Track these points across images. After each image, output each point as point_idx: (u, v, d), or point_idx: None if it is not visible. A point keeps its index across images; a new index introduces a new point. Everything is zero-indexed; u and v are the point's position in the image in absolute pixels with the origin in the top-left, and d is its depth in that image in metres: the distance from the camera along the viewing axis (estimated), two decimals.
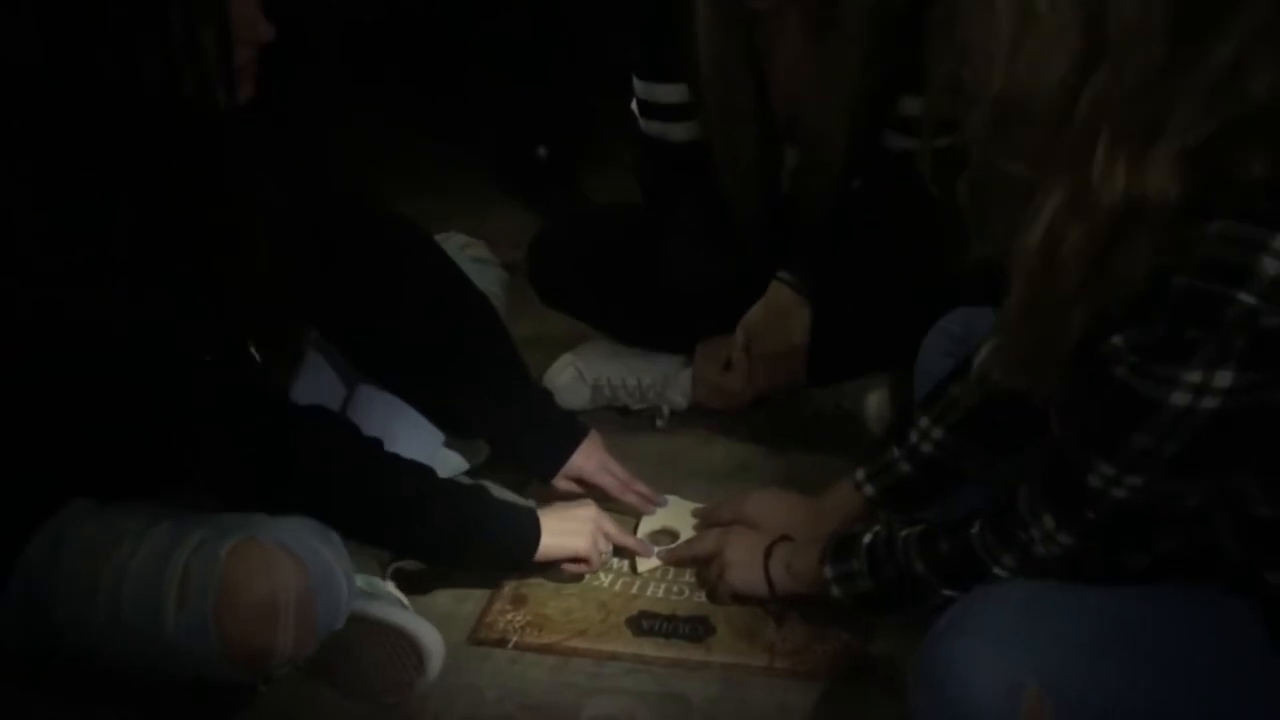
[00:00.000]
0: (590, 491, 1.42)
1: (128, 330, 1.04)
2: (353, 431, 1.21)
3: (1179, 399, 0.80)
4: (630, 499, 1.45)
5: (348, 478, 1.18)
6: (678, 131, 1.66)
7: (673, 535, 1.43)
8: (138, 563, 1.06)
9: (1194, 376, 0.79)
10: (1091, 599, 0.94)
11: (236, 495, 1.15)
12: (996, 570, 1.00)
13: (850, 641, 1.26)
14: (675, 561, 1.39)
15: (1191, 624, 0.90)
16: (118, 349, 1.05)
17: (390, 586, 1.29)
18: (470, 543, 1.26)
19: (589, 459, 1.42)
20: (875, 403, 1.65)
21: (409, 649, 1.20)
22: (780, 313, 1.61)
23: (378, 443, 1.22)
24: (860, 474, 1.29)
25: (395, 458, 1.22)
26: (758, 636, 1.27)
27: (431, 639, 1.21)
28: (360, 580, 1.23)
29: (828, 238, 1.63)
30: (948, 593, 1.05)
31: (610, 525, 1.36)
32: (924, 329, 1.36)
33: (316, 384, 1.37)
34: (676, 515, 1.46)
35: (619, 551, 1.39)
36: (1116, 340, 0.82)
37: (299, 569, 1.06)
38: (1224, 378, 0.78)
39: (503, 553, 1.29)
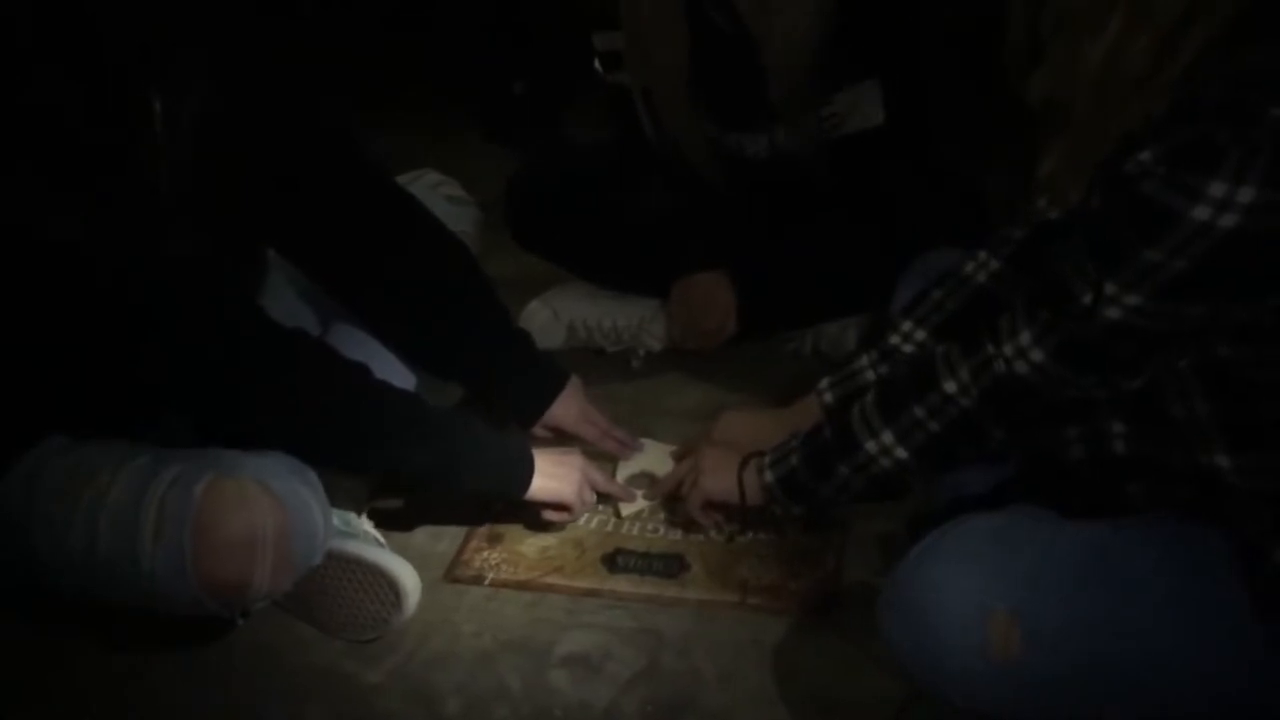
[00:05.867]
0: (568, 439, 1.42)
1: (100, 251, 1.03)
2: (337, 354, 1.18)
3: (1200, 213, 0.80)
4: (609, 446, 1.45)
5: (337, 397, 1.15)
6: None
7: (651, 478, 1.44)
8: (113, 498, 1.05)
9: (1219, 189, 0.79)
10: (1059, 528, 0.95)
11: (221, 420, 1.13)
12: (945, 385, 1.01)
13: (823, 578, 1.27)
14: (657, 494, 1.39)
15: (1158, 553, 0.92)
16: (89, 270, 1.04)
17: (367, 525, 1.29)
18: (462, 471, 1.22)
19: (569, 408, 1.41)
20: (852, 345, 1.66)
21: (386, 586, 1.21)
22: (704, 300, 1.67)
23: (364, 366, 1.19)
24: (823, 382, 1.30)
25: (383, 382, 1.20)
26: (731, 573, 1.29)
27: (408, 576, 1.22)
28: (337, 518, 1.22)
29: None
30: (870, 446, 1.06)
31: (597, 475, 1.36)
32: (887, 276, 1.36)
33: (292, 322, 1.35)
34: (654, 458, 1.47)
35: (602, 498, 1.38)
36: (1144, 155, 0.82)
37: (275, 504, 1.06)
38: (1247, 193, 0.78)
39: (494, 483, 1.27)
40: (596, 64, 1.70)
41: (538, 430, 1.41)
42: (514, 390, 1.40)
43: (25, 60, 1.00)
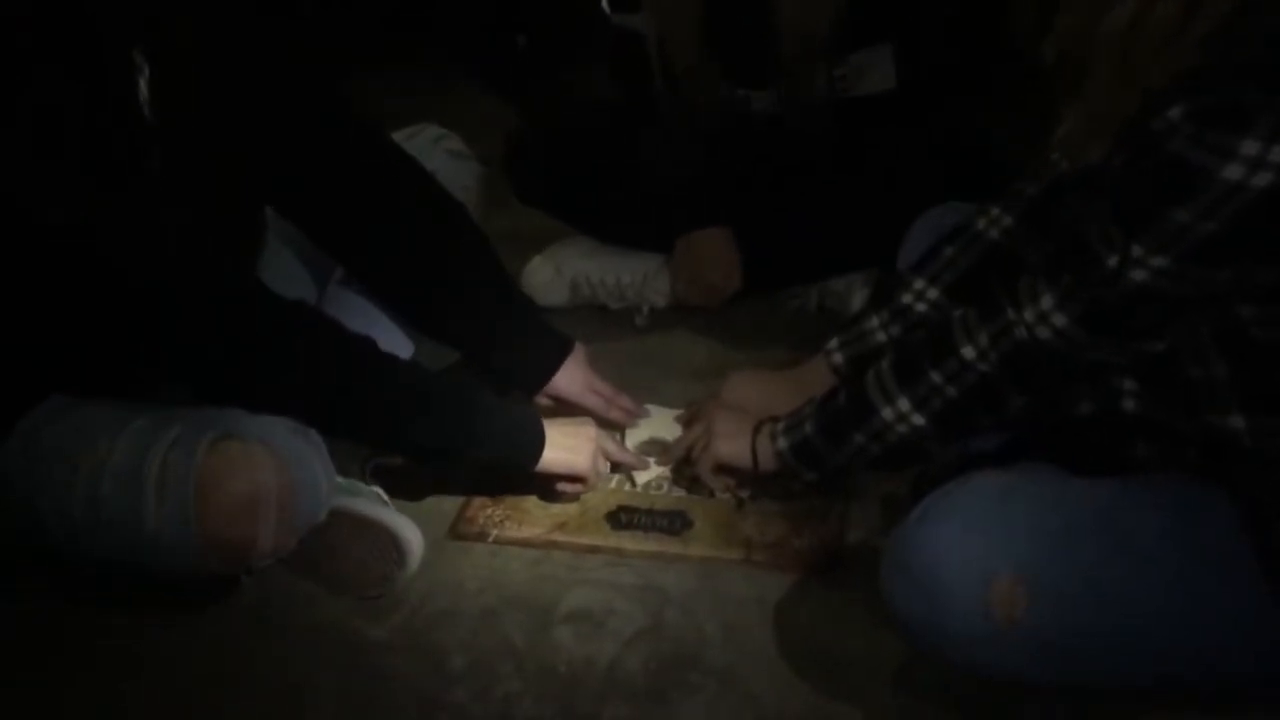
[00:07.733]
0: (571, 408, 1.39)
1: (98, 244, 1.03)
2: (339, 331, 1.17)
3: (1231, 172, 0.78)
4: (615, 416, 1.43)
5: (341, 387, 1.14)
6: (638, 22, 1.65)
7: (661, 445, 1.42)
8: (116, 458, 1.05)
9: (1251, 148, 0.77)
10: (1065, 488, 0.95)
11: (226, 394, 1.12)
12: (963, 351, 0.99)
13: (826, 536, 1.27)
14: (669, 460, 1.38)
15: (1165, 515, 0.91)
16: (88, 265, 1.04)
17: (371, 483, 1.29)
18: (472, 443, 1.21)
19: (573, 377, 1.39)
20: (858, 301, 1.65)
21: (389, 544, 1.21)
22: (708, 256, 1.67)
23: (368, 341, 1.17)
24: (833, 343, 1.29)
25: (389, 357, 1.18)
26: (735, 531, 1.29)
27: (412, 534, 1.22)
28: (340, 478, 1.23)
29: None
30: (887, 413, 1.05)
31: (610, 444, 1.34)
32: (892, 232, 1.35)
33: (287, 289, 1.34)
34: (661, 424, 1.45)
35: (615, 467, 1.37)
36: (1173, 113, 0.81)
37: (278, 463, 1.06)
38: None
39: (505, 456, 1.25)
40: (604, 4, 1.69)
41: (541, 399, 1.39)
42: (516, 359, 1.37)
43: (26, 60, 0.99)
